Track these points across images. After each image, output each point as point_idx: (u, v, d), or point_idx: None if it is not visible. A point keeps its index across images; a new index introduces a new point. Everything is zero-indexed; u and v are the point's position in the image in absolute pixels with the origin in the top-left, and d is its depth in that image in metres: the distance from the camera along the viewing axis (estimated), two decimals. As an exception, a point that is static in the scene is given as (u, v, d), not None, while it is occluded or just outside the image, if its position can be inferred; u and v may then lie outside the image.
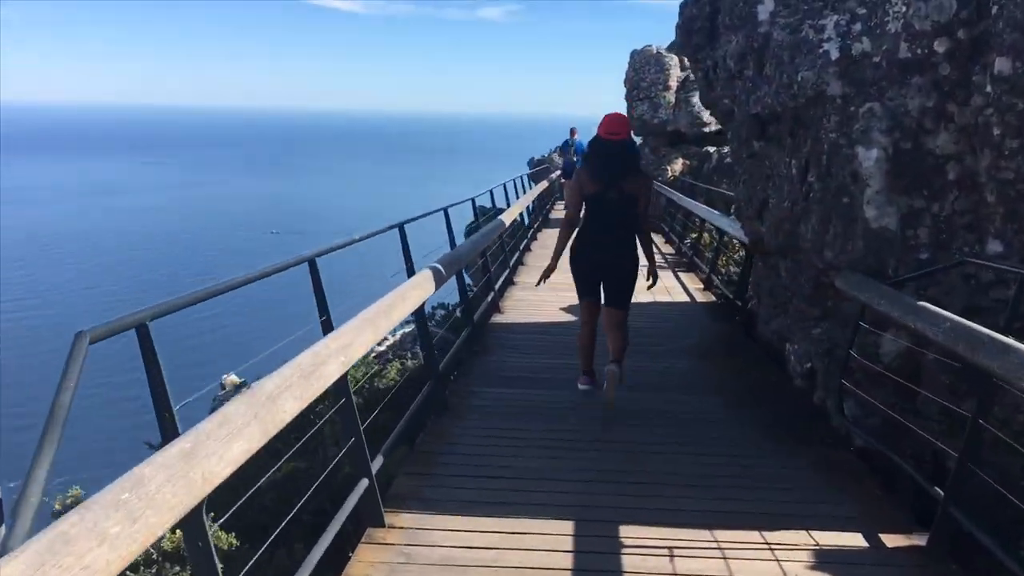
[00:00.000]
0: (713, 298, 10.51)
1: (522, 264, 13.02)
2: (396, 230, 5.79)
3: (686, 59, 19.91)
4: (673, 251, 15.01)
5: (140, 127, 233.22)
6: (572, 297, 8.15)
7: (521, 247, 14.45)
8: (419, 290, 4.50)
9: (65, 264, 41.39)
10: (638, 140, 21.07)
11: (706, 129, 18.89)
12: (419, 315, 5.24)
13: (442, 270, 5.16)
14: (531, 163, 33.83)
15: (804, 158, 5.41)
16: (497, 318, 8.91)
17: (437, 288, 4.86)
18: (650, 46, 19.76)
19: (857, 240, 4.86)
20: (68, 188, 73.07)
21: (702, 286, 11.35)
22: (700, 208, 12.23)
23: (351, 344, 3.22)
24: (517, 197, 16.05)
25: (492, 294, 9.38)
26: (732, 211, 8.75)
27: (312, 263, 3.97)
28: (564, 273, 6.20)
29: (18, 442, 10.63)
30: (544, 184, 18.32)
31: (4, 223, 46.97)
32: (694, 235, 13.70)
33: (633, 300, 6.05)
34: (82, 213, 58.01)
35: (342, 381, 3.29)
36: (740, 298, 9.14)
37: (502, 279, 10.81)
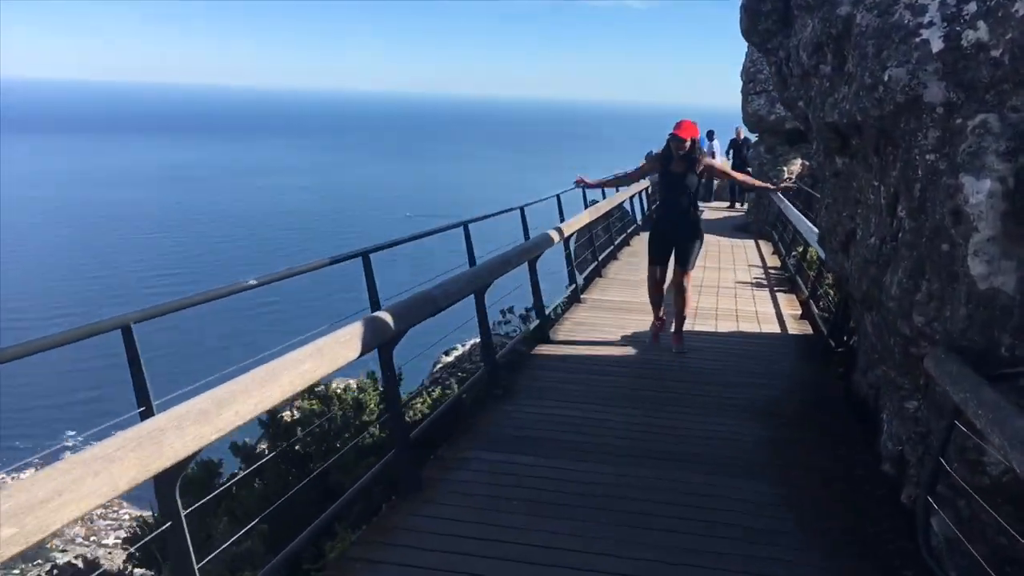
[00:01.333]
0: (810, 329, 8.99)
1: (599, 276, 11.76)
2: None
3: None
4: (779, 265, 13.36)
5: (273, 109, 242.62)
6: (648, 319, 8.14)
7: (604, 254, 13.22)
8: (312, 362, 3.13)
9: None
10: (753, 137, 19.32)
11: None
12: (386, 366, 4.22)
13: (386, 322, 3.94)
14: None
15: (893, 185, 4.04)
16: (544, 348, 7.72)
17: (362, 353, 3.59)
18: (769, 34, 17.95)
19: (958, 306, 3.48)
20: (223, 167, 77.76)
21: (799, 311, 9.82)
22: (801, 221, 10.62)
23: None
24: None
25: (538, 320, 8.16)
26: (817, 239, 7.25)
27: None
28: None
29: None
30: (641, 185, 16.87)
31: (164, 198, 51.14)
32: (799, 249, 12.06)
33: (713, 329, 6.08)
34: (234, 192, 61.87)
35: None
36: (836, 336, 7.64)
37: (566, 294, 9.68)
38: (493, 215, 7.71)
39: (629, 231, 15.76)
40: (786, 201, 15.06)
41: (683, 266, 7.38)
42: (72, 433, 17.32)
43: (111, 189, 58.64)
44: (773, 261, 13.98)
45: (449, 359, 14.47)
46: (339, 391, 6.08)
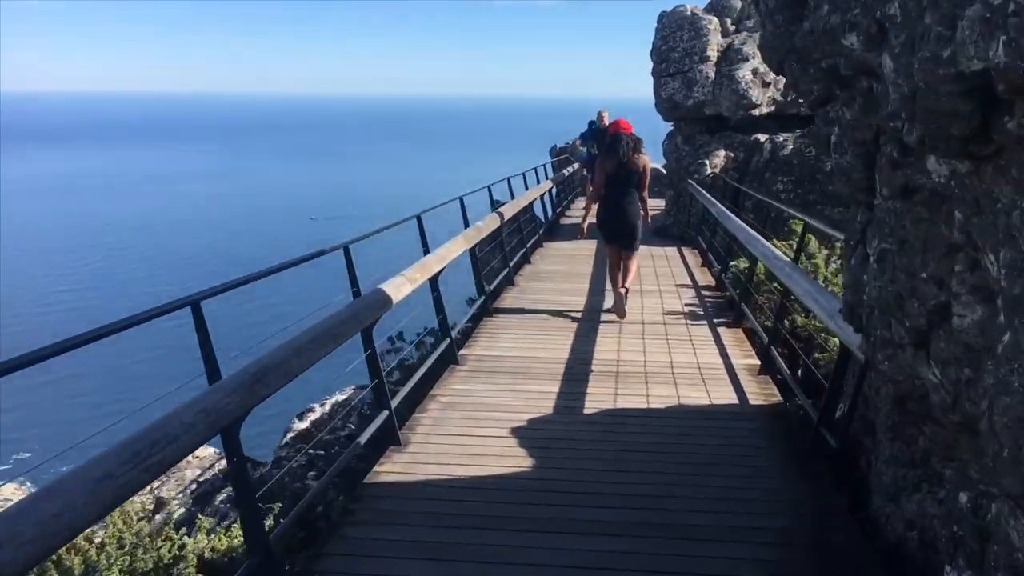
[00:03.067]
0: (776, 393, 6.39)
1: (511, 284, 10.34)
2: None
3: (728, 21, 15.58)
4: (714, 285, 10.77)
5: (173, 115, 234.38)
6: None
7: (515, 259, 11.11)
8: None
9: (111, 253, 42.28)
10: (670, 126, 16.83)
11: (755, 112, 14.56)
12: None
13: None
14: (553, 151, 29.70)
15: None
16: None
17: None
18: (683, 6, 15.39)
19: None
20: (114, 176, 75.09)
21: (753, 359, 7.25)
22: (754, 242, 8.00)
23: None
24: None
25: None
26: (840, 311, 4.50)
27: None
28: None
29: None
30: (545, 186, 14.26)
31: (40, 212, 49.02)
32: (743, 265, 9.52)
33: (644, 402, 5.69)
34: (129, 201, 59.90)
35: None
36: (829, 423, 5.02)
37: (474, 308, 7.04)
38: (379, 230, 5.79)
39: (529, 244, 13.03)
40: (709, 197, 12.59)
41: (630, 250, 8.73)
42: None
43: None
44: (704, 276, 11.45)
45: (303, 425, 11.51)
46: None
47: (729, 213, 10.65)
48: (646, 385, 6.47)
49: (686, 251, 13.62)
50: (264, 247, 39.04)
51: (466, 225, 8.55)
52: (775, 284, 8.60)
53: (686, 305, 9.56)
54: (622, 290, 8.58)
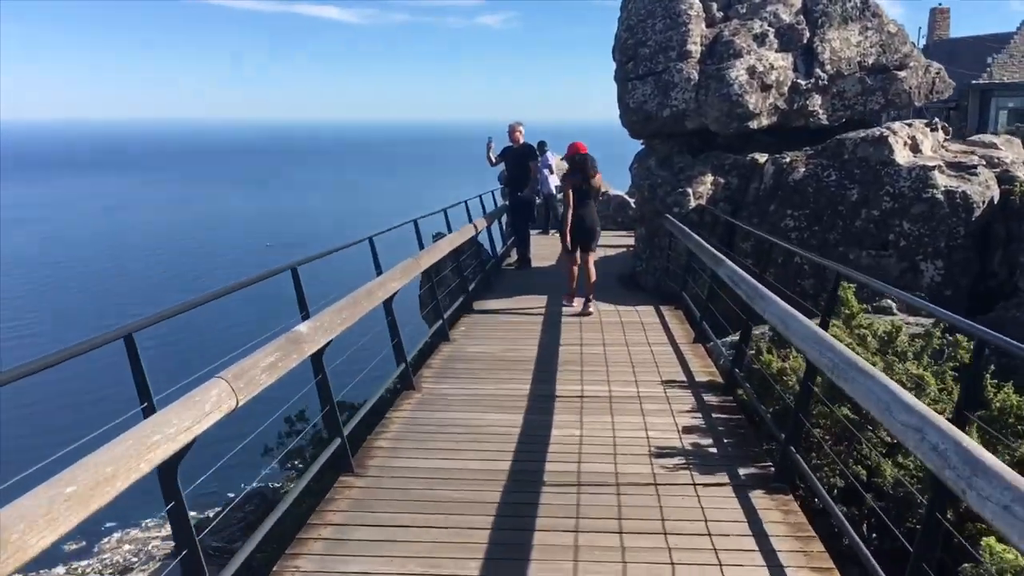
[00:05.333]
0: None
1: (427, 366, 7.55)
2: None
3: (714, 5, 12.08)
4: (720, 382, 7.04)
5: (130, 144, 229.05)
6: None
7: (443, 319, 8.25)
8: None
9: (59, 281, 40.57)
10: (639, 145, 13.26)
11: (752, 124, 11.04)
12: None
13: None
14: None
15: None
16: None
17: None
18: (655, -13, 11.90)
19: None
20: (65, 206, 73.16)
21: (813, 544, 3.63)
22: (794, 322, 4.41)
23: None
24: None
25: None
26: None
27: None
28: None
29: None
30: (464, 235, 10.59)
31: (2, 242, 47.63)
32: (773, 361, 5.87)
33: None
34: (81, 229, 57.94)
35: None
36: None
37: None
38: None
39: (454, 308, 9.34)
40: (698, 240, 9.04)
41: (588, 251, 9.97)
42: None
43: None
44: (700, 361, 7.75)
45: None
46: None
47: (735, 267, 7.07)
48: None
49: (667, 312, 9.99)
50: (219, 274, 37.27)
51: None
52: (848, 408, 5.02)
53: (682, 420, 5.88)
54: (586, 305, 9.91)
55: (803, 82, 11.18)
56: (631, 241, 15.17)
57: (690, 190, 11.14)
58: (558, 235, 17.90)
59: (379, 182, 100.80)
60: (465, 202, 12.51)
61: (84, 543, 13.52)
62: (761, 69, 10.89)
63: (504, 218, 16.41)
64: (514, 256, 14.18)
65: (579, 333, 8.75)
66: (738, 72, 10.82)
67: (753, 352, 6.60)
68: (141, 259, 46.48)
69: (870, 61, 11.40)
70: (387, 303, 6.57)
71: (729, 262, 7.38)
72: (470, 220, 11.85)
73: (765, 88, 10.93)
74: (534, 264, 13.68)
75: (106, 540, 13.71)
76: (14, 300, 35.76)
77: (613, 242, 15.93)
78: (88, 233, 56.47)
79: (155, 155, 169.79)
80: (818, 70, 11.20)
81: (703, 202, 11.13)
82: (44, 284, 39.97)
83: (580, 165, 9.64)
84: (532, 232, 18.65)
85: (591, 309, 9.77)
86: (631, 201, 20.43)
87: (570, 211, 9.69)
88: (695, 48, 11.24)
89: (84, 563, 13.17)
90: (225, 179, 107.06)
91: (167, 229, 59.47)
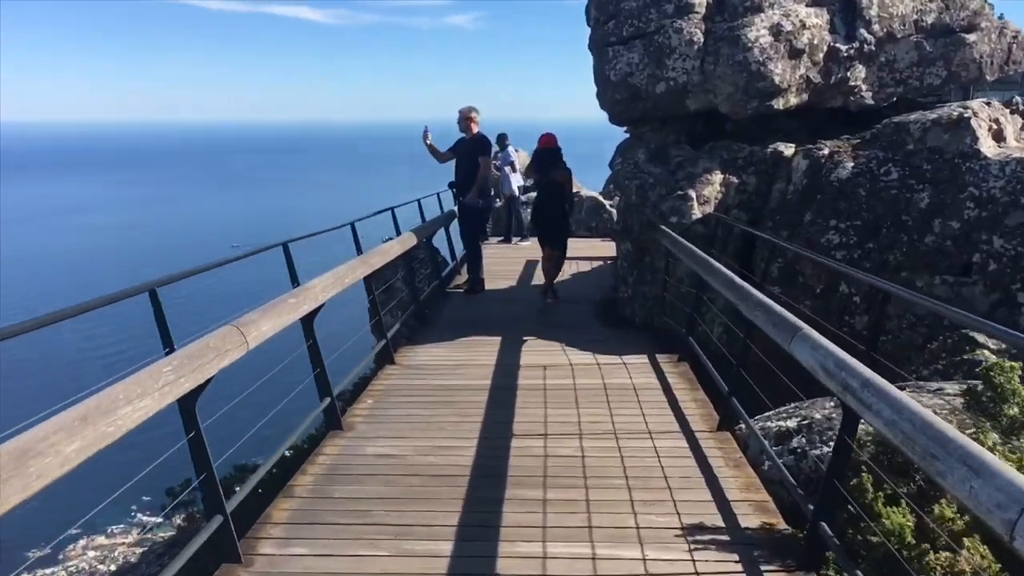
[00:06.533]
0: None
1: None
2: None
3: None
4: (772, 531, 4.12)
5: (92, 145, 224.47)
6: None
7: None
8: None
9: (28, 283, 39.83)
10: (622, 134, 10.32)
11: (777, 103, 8.19)
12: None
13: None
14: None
15: None
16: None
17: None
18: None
19: None
20: (32, 209, 72.15)
21: None
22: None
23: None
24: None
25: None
26: None
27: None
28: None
29: None
30: (388, 253, 7.61)
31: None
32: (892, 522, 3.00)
33: None
34: (49, 233, 57.17)
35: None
36: None
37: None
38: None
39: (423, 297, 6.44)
40: (710, 261, 6.22)
41: (560, 249, 9.58)
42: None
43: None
44: (736, 472, 4.78)
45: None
46: None
47: (776, 307, 4.16)
48: None
49: (666, 365, 7.07)
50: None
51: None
52: None
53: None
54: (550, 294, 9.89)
55: (843, 47, 8.34)
56: (609, 251, 12.30)
57: (692, 193, 8.25)
58: (522, 244, 15.14)
59: (355, 181, 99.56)
60: (391, 210, 9.52)
61: (49, 550, 13.03)
62: (789, 28, 8.01)
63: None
64: (464, 275, 11.22)
65: (542, 410, 5.81)
66: (758, 32, 7.94)
67: (854, 480, 3.65)
68: (100, 264, 44.75)
69: (929, 20, 8.59)
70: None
71: (771, 303, 4.45)
72: (397, 232, 8.90)
73: (794, 54, 8.06)
74: (488, 286, 10.75)
75: (71, 547, 13.48)
76: (13, 303, 34.07)
77: (587, 252, 13.04)
78: (53, 240, 54.61)
79: (108, 156, 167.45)
80: (863, 31, 8.35)
81: (710, 209, 8.24)
82: (44, 284, 39.08)
83: (543, 157, 9.32)
84: (492, 240, 15.81)
85: (549, 300, 9.73)
86: (607, 203, 17.54)
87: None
88: (700, 0, 8.33)
89: (49, 571, 13.03)
90: (191, 179, 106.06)
91: (125, 232, 58.49)
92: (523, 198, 16.19)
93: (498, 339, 7.92)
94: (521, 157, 18.06)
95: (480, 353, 7.46)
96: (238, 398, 5.00)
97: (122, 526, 14.73)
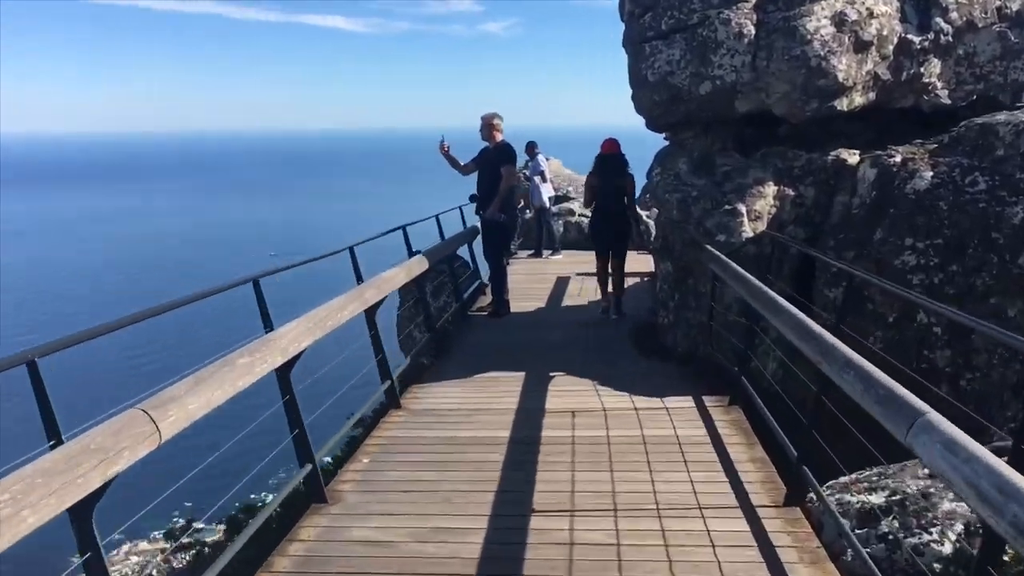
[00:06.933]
0: None
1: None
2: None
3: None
4: (819, 558, 3.16)
5: (141, 154, 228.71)
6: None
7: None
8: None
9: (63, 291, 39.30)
10: (661, 140, 9.33)
11: (841, 103, 7.14)
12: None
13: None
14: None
15: None
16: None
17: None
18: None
19: None
20: (62, 220, 71.88)
21: None
22: None
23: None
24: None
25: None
26: None
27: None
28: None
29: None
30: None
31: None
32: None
33: None
34: (82, 244, 56.57)
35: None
36: None
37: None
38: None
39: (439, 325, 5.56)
40: (766, 291, 5.25)
41: (619, 258, 9.15)
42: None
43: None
44: (793, 543, 3.82)
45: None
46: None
47: (877, 373, 3.16)
48: None
49: (715, 412, 6.07)
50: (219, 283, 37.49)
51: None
52: None
53: None
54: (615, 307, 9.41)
55: (916, 38, 7.28)
56: (647, 266, 11.30)
57: (742, 207, 7.24)
58: (554, 258, 14.18)
59: (392, 190, 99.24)
60: (404, 228, 8.63)
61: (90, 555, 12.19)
62: (854, 17, 6.97)
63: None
64: (489, 295, 10.30)
65: (569, 474, 4.86)
66: (818, 21, 6.91)
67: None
68: (148, 270, 45.07)
69: (1015, 7, 7.50)
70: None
71: (867, 366, 3.45)
72: (409, 253, 8.02)
73: (860, 47, 7.02)
74: (514, 306, 9.83)
75: (115, 552, 12.59)
76: (11, 311, 34.34)
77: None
78: (89, 244, 54.78)
79: (162, 167, 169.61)
80: (938, 19, 7.29)
81: (763, 225, 7.22)
82: (43, 297, 38.41)
83: (603, 162, 9.01)
84: (522, 255, 14.87)
85: (614, 316, 9.31)
86: (644, 214, 16.50)
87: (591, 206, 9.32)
88: (749, -11, 7.32)
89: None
90: (232, 189, 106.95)
91: (171, 240, 58.21)
92: (554, 209, 15.25)
93: (521, 375, 6.98)
94: (553, 165, 17.06)
95: (500, 394, 6.53)
96: (213, 456, 4.19)
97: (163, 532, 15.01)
